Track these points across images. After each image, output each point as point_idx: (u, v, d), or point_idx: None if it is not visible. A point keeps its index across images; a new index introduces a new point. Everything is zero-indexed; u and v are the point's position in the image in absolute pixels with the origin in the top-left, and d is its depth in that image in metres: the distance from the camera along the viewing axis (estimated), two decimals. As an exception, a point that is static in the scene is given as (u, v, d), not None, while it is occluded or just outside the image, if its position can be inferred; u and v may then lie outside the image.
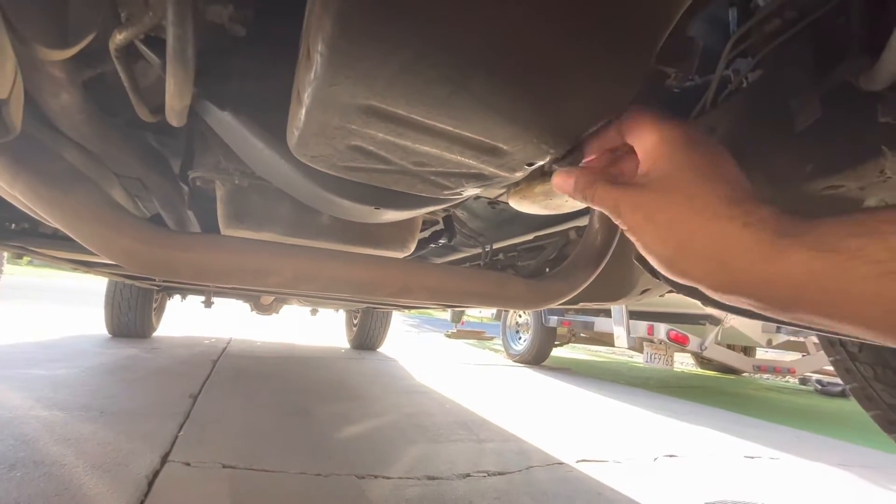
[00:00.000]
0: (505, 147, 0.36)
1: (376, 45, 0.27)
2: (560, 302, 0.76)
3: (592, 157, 0.37)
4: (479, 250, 1.55)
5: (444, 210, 0.88)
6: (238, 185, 0.70)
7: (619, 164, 0.34)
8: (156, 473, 1.16)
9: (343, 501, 1.11)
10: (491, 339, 7.58)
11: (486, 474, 1.41)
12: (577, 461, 1.63)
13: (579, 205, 0.73)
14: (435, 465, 1.44)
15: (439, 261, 1.69)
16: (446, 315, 8.46)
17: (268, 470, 1.26)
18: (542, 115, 0.32)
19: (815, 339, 4.43)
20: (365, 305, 3.47)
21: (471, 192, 0.50)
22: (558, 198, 0.59)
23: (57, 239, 1.12)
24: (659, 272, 0.70)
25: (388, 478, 1.30)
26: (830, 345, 0.99)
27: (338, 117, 0.34)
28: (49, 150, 0.51)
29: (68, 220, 0.46)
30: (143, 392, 1.98)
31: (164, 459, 1.25)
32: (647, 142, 0.31)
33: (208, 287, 2.99)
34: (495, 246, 1.51)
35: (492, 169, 0.41)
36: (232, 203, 0.70)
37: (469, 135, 0.35)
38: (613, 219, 0.32)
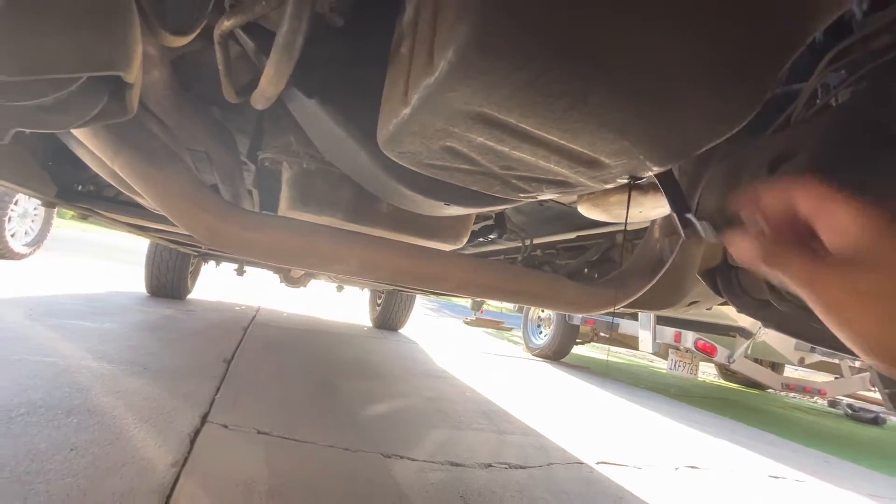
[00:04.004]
0: (607, 161, 0.36)
1: (507, 58, 0.27)
2: (613, 308, 0.76)
3: (756, 223, 0.35)
4: (517, 244, 1.55)
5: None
6: (305, 168, 0.71)
7: (797, 235, 0.32)
8: (197, 432, 1.22)
9: (371, 479, 1.15)
10: (509, 329, 7.58)
11: (507, 466, 1.43)
12: (598, 462, 1.63)
13: (649, 217, 0.72)
14: (457, 451, 1.47)
15: (473, 251, 1.69)
16: (466, 302, 8.49)
17: (299, 440, 1.31)
18: (655, 132, 0.32)
19: (851, 363, 4.25)
20: (392, 287, 3.52)
21: (547, 196, 0.50)
22: (633, 208, 0.58)
23: (118, 203, 1.18)
24: (722, 290, 0.68)
25: (413, 460, 1.33)
26: (888, 376, 0.94)
27: (444, 121, 0.35)
28: (144, 127, 0.54)
29: (160, 196, 0.48)
30: (182, 352, 2.08)
31: (204, 419, 1.32)
32: (839, 218, 0.30)
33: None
34: (535, 241, 1.50)
35: (583, 180, 0.41)
36: (297, 186, 0.71)
37: (574, 147, 0.34)
38: (802, 292, 0.31)
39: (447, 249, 0.82)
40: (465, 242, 0.86)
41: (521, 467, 1.44)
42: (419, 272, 0.60)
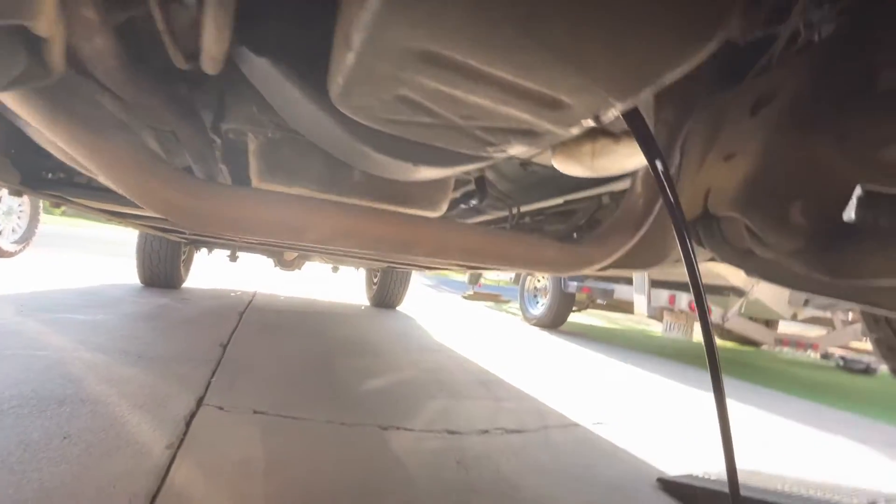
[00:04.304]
0: (567, 100, 0.33)
1: None
2: (595, 268, 0.74)
3: None
4: (504, 213, 1.53)
5: (479, 170, 0.85)
6: (271, 138, 0.69)
7: None
8: (192, 415, 1.22)
9: (368, 450, 1.17)
10: (507, 301, 7.64)
11: (503, 431, 1.45)
12: (594, 423, 1.66)
13: (626, 168, 0.70)
14: (454, 420, 1.49)
15: (461, 222, 1.67)
16: (464, 277, 8.52)
17: (296, 417, 1.32)
18: (614, 60, 0.30)
19: (843, 316, 4.32)
20: (386, 265, 3.51)
21: (517, 149, 0.48)
22: (605, 159, 0.56)
23: (91, 189, 1.14)
24: (704, 241, 0.66)
25: (410, 430, 1.35)
26: (874, 321, 0.95)
27: (389, 63, 0.32)
28: (87, 96, 0.51)
29: (110, 168, 0.46)
30: (177, 339, 2.08)
31: (200, 403, 1.32)
32: None
33: (235, 241, 3.06)
34: (523, 209, 1.48)
35: (547, 125, 0.39)
36: (264, 156, 0.69)
37: (530, 85, 0.32)
38: None
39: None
40: (444, 209, 0.84)
41: (518, 431, 1.46)
42: (391, 238, 0.58)
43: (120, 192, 0.49)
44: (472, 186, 1.00)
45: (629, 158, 0.58)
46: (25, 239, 4.73)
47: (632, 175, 0.77)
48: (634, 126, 0.39)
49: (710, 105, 0.72)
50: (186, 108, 0.83)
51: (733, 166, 0.58)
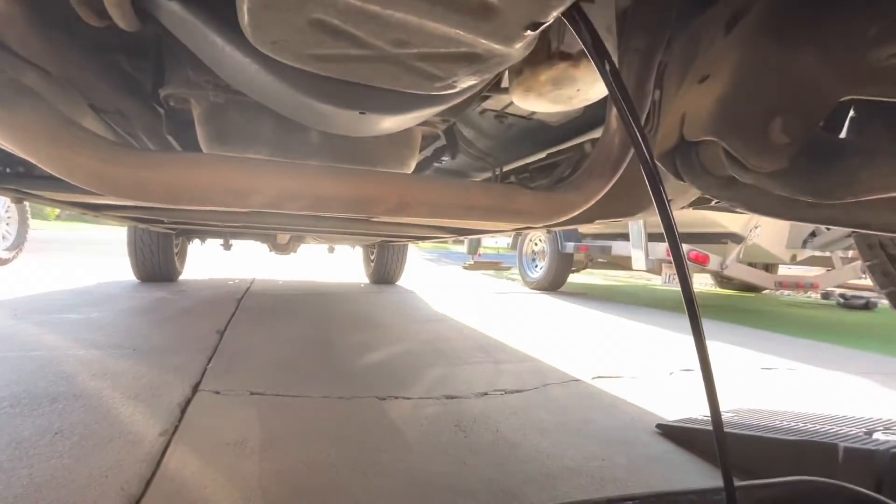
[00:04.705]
0: (496, 2, 0.29)
1: None
2: (573, 214, 0.71)
3: None
4: (488, 174, 1.48)
5: (444, 120, 0.81)
6: (214, 101, 0.64)
7: None
8: (188, 401, 1.22)
9: (364, 420, 1.16)
10: (508, 268, 7.65)
11: (503, 392, 1.45)
12: (593, 378, 1.67)
13: (592, 97, 0.65)
14: (453, 385, 1.49)
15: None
16: (463, 248, 8.51)
17: (293, 395, 1.32)
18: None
19: (842, 254, 4.31)
20: (380, 239, 3.47)
21: (465, 80, 0.44)
22: (568, 87, 0.52)
23: (53, 180, 1.10)
24: (682, 172, 0.62)
25: (408, 398, 1.34)
26: (869, 248, 0.92)
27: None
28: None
29: (19, 140, 0.42)
30: (173, 330, 2.07)
31: (195, 389, 1.32)
32: None
33: (222, 228, 3.01)
34: (506, 168, 1.43)
35: (484, 41, 0.34)
36: (210, 122, 0.64)
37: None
38: None
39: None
40: (412, 167, 0.80)
41: (517, 391, 1.47)
42: (349, 195, 0.55)
43: (39, 164, 0.45)
44: (442, 142, 0.95)
45: (593, 85, 0.53)
46: (17, 245, 4.69)
47: (606, 112, 0.72)
48: (577, 29, 0.35)
49: (684, 31, 0.66)
50: (129, 83, 0.78)
51: (707, 88, 0.53)
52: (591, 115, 1.07)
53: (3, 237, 4.60)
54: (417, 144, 0.78)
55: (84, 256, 5.94)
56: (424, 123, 0.77)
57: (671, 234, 0.46)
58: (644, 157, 0.38)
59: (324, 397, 1.32)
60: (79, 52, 0.67)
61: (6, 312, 2.26)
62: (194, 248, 4.37)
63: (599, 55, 0.35)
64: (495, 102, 0.96)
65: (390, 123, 0.59)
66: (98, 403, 1.16)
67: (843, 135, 0.61)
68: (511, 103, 0.95)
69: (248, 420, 1.13)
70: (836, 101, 0.50)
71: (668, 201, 0.47)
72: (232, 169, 0.50)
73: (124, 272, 3.85)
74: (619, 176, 0.94)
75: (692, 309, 0.48)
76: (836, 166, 0.53)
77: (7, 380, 1.28)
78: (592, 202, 0.71)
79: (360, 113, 0.51)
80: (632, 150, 0.69)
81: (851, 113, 0.62)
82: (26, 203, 4.93)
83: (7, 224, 4.68)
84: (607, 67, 0.35)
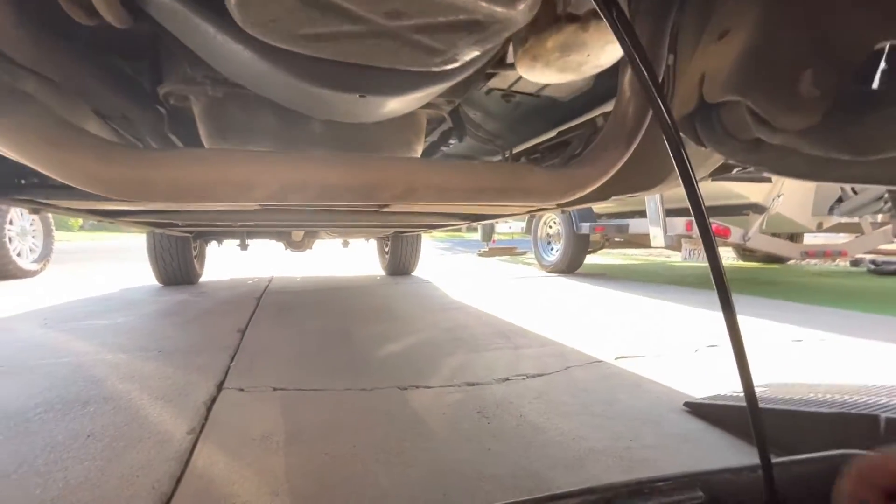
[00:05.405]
0: (493, -45, 0.27)
1: None
2: (588, 190, 0.68)
3: None
4: (498, 157, 1.45)
5: (448, 101, 0.78)
6: (213, 96, 0.63)
7: None
8: (213, 399, 1.24)
9: (387, 410, 1.16)
10: (523, 253, 7.60)
11: (525, 377, 1.44)
12: (616, 358, 1.64)
13: (604, 62, 0.62)
14: (474, 372, 1.48)
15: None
16: (478, 236, 8.47)
17: (315, 389, 1.33)
18: None
19: (871, 219, 4.14)
20: (393, 230, 3.47)
21: (467, 52, 0.41)
22: (577, 52, 0.49)
23: (66, 189, 1.11)
24: (703, 137, 0.59)
25: (430, 387, 1.34)
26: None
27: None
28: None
29: (17, 145, 0.41)
30: (196, 331, 2.11)
31: (220, 387, 1.34)
32: None
33: (236, 228, 3.04)
34: (515, 150, 1.40)
35: (484, 4, 0.32)
36: (210, 118, 0.63)
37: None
38: None
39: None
40: (419, 152, 0.78)
41: (539, 375, 1.45)
42: (354, 183, 0.53)
43: (40, 169, 0.44)
44: (449, 125, 0.93)
45: (604, 49, 0.50)
46: (44, 256, 4.84)
47: (619, 80, 0.69)
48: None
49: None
50: (131, 85, 0.77)
51: (727, 44, 0.49)
52: (602, 88, 1.03)
53: (31, 249, 4.75)
54: (423, 128, 0.76)
55: (109, 263, 6.10)
56: (428, 106, 0.74)
57: (696, 203, 0.43)
58: (664, 121, 0.36)
59: (346, 389, 1.32)
60: (77, 57, 0.66)
61: (36, 321, 2.33)
62: (213, 250, 4.44)
63: (609, 7, 0.32)
64: (501, 80, 0.93)
65: (392, 106, 0.57)
66: (127, 405, 1.19)
67: (874, 86, 0.57)
68: (518, 80, 0.92)
69: (272, 415, 1.14)
70: (871, 49, 0.46)
71: (692, 169, 0.44)
72: (233, 163, 0.49)
73: (147, 277, 3.94)
74: (635, 148, 0.90)
75: (720, 280, 0.45)
76: (870, 119, 0.49)
77: (40, 386, 1.32)
78: (608, 176, 0.68)
79: (360, 96, 0.49)
80: (647, 119, 0.66)
81: (883, 64, 0.58)
82: (49, 215, 5.08)
83: (33, 237, 4.82)
84: (619, 23, 0.32)
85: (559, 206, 1.48)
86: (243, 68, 0.50)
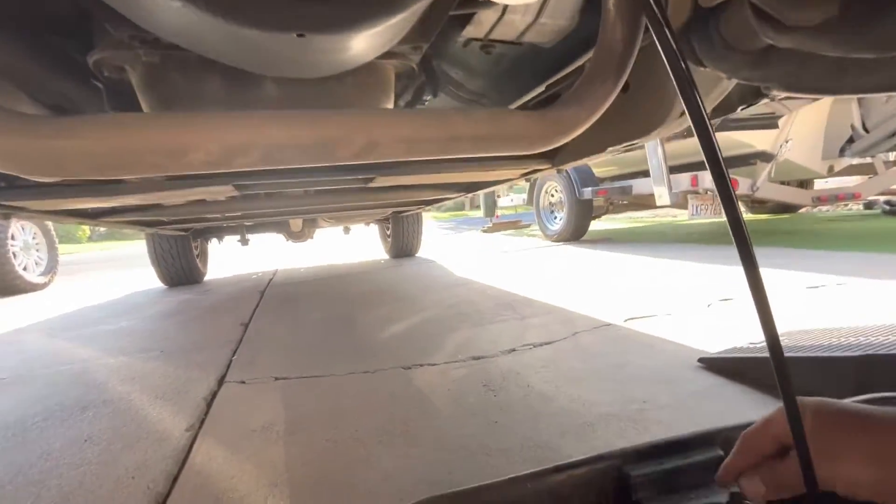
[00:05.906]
0: None
1: None
2: (577, 131, 0.61)
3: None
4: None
5: (415, 47, 0.70)
6: (148, 62, 0.56)
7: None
8: (214, 394, 1.21)
9: (391, 391, 1.13)
10: (528, 226, 7.51)
11: (531, 346, 1.39)
12: (626, 320, 1.59)
13: None
14: (479, 346, 1.44)
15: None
16: (481, 213, 8.37)
17: (317, 375, 1.29)
18: None
19: (884, 158, 3.99)
20: (391, 210, 3.40)
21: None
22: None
23: (34, 189, 1.06)
24: (701, 54, 0.51)
25: (434, 364, 1.30)
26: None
27: None
28: None
29: None
30: (199, 328, 2.09)
31: (221, 381, 1.31)
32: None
33: (228, 223, 3.00)
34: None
35: None
36: (150, 87, 0.57)
37: None
38: None
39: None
40: (390, 108, 0.71)
41: (546, 343, 1.40)
42: (306, 140, 0.47)
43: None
44: (422, 79, 0.85)
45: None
46: (51, 269, 4.86)
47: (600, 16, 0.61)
48: None
49: None
50: (64, 62, 0.70)
51: (725, -68, 0.42)
52: (586, 30, 0.94)
53: (37, 263, 4.76)
54: (391, 84, 0.69)
55: (117, 272, 6.12)
56: (393, 56, 0.67)
57: (705, 135, 0.34)
58: (661, 32, 0.29)
59: (348, 374, 1.29)
60: (13, 39, 0.60)
61: (42, 332, 2.32)
62: (216, 248, 4.42)
63: None
64: (476, 29, 0.85)
65: (345, 53, 0.51)
66: (126, 407, 1.16)
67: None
68: (495, 25, 0.83)
69: (273, 405, 1.11)
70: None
71: (698, 91, 0.35)
72: (162, 126, 0.43)
73: (153, 281, 3.93)
74: (628, 85, 0.82)
75: (738, 226, 0.36)
76: (899, 7, 0.41)
77: (40, 395, 1.30)
78: (597, 115, 0.61)
79: (298, 35, 0.42)
80: (638, 43, 0.58)
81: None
82: (51, 227, 5.07)
83: (37, 251, 4.83)
84: None
85: (554, 165, 1.41)
86: (164, 15, 0.43)
